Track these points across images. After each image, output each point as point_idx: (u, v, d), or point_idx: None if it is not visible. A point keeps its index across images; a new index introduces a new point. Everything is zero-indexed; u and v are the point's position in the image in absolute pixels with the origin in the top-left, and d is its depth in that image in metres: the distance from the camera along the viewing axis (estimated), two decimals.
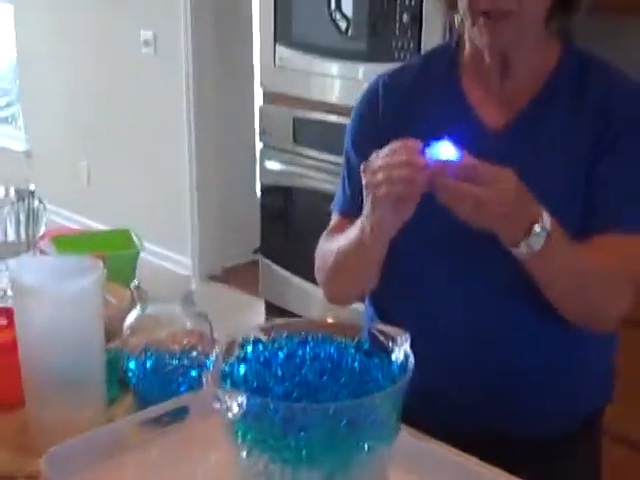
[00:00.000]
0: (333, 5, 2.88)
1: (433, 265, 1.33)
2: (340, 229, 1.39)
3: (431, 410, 1.26)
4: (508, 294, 1.28)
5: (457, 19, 1.33)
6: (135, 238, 1.74)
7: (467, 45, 1.34)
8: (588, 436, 1.43)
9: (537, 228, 1.13)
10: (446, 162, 1.10)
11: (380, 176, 1.12)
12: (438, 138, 1.12)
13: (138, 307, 1.27)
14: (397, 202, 1.14)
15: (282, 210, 3.28)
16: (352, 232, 1.28)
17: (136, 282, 1.27)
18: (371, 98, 1.41)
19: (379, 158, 1.14)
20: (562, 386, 1.35)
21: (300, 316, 3.24)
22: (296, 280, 3.27)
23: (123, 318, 1.30)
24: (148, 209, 4.41)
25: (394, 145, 1.14)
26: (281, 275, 3.32)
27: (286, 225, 3.29)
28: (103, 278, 1.17)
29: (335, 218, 1.45)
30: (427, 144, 1.13)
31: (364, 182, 1.17)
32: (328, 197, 2.94)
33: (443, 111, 1.34)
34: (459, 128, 1.29)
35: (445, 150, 1.11)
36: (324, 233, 1.45)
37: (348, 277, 1.37)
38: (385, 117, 1.38)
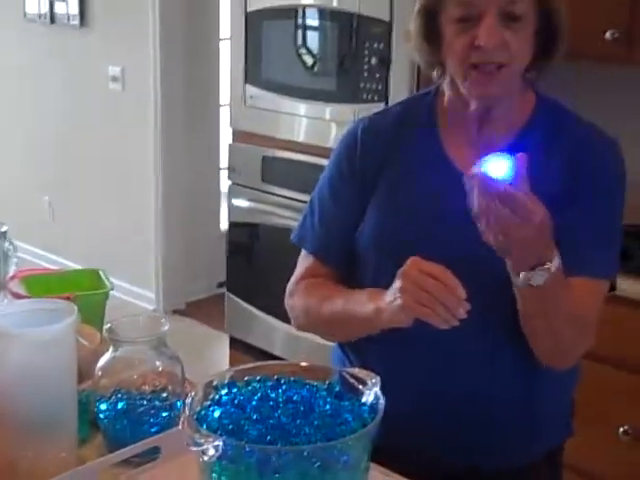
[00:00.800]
0: (300, 41, 2.93)
1: None
2: (313, 274, 1.42)
3: (400, 444, 1.30)
4: (481, 332, 1.32)
5: (436, 72, 1.39)
6: (104, 278, 1.75)
7: (446, 94, 1.39)
8: (550, 469, 1.47)
9: (545, 266, 1.19)
10: (492, 181, 1.13)
11: (425, 299, 1.18)
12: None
13: (110, 349, 1.28)
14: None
15: (248, 246, 3.30)
16: (356, 306, 1.33)
17: (108, 325, 1.28)
18: (350, 142, 1.44)
19: (424, 276, 1.18)
20: (527, 420, 1.39)
21: (265, 351, 3.26)
22: (261, 315, 3.29)
23: (94, 360, 1.31)
24: (113, 244, 4.40)
25: (443, 270, 1.18)
26: (246, 310, 3.33)
27: (252, 261, 3.31)
28: (78, 321, 1.18)
29: (307, 260, 1.47)
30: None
31: (398, 285, 1.21)
32: None
33: (420, 158, 1.38)
34: (433, 173, 1.34)
35: (499, 165, 1.13)
36: (296, 276, 1.47)
37: (337, 334, 1.44)
38: (362, 161, 1.41)
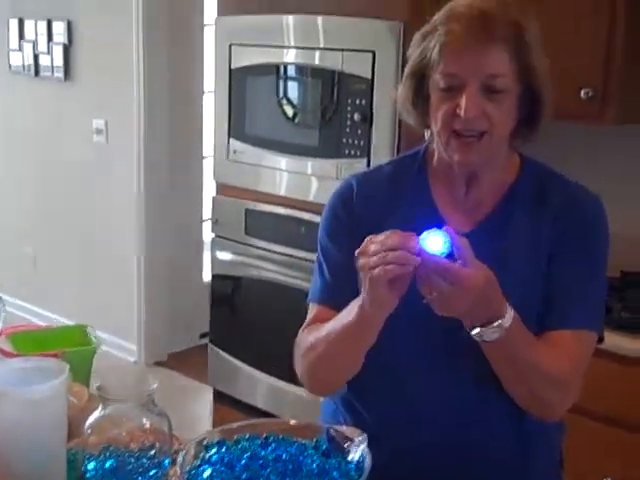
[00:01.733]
0: (282, 97, 2.99)
1: (410, 354, 1.39)
2: (320, 320, 1.42)
3: None
4: (472, 383, 1.35)
5: (427, 133, 1.43)
6: (91, 334, 1.76)
7: (436, 154, 1.44)
8: None
9: (495, 324, 1.23)
10: (428, 255, 1.19)
11: (375, 258, 1.20)
12: (435, 226, 1.21)
13: (100, 407, 1.29)
14: (391, 281, 1.21)
15: (232, 298, 3.31)
16: (344, 317, 1.32)
17: (98, 383, 1.29)
18: (346, 196, 1.47)
19: (373, 243, 1.22)
20: (519, 470, 1.41)
21: (248, 404, 3.25)
22: (244, 368, 3.29)
23: (83, 417, 1.32)
24: (95, 295, 4.40)
25: (388, 232, 1.22)
26: (230, 363, 3.34)
27: (235, 313, 3.32)
28: (69, 380, 1.19)
29: (314, 309, 1.47)
30: (421, 231, 1.21)
31: (359, 264, 1.23)
32: (276, 286, 3.03)
33: (413, 216, 1.40)
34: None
35: (435, 241, 1.20)
36: (303, 326, 1.47)
37: (340, 360, 1.39)
38: (359, 214, 1.44)
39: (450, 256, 1.20)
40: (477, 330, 1.25)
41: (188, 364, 4.22)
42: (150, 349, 4.31)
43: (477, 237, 1.37)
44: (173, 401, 3.66)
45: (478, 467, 1.39)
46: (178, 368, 4.22)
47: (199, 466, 1.04)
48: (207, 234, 3.81)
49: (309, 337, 1.42)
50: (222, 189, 3.23)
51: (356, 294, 1.30)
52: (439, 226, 1.21)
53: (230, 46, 3.07)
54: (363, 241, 1.34)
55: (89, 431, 1.28)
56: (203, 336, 4.24)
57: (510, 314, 1.25)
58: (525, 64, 1.31)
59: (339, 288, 1.40)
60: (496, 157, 1.38)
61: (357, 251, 1.24)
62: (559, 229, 1.38)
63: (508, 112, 1.33)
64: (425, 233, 1.20)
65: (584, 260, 1.38)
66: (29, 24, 4.46)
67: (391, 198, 1.44)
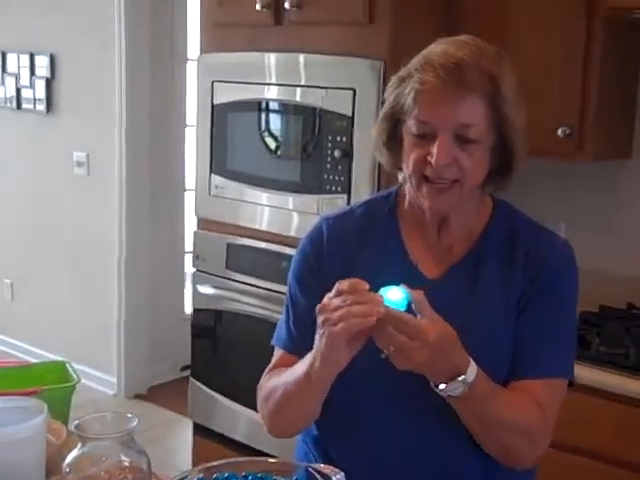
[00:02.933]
0: (264, 133, 3.02)
1: (364, 398, 1.39)
2: (283, 365, 1.43)
3: None
4: (441, 429, 1.35)
5: (400, 175, 1.42)
6: (71, 370, 1.76)
7: (407, 197, 1.44)
8: None
9: (459, 379, 1.24)
10: (388, 308, 1.20)
11: (339, 313, 1.20)
12: (387, 283, 1.22)
13: (79, 446, 1.28)
14: (351, 337, 1.21)
15: (213, 332, 3.31)
16: (299, 369, 1.33)
17: (77, 422, 1.29)
18: (315, 239, 1.47)
19: (335, 298, 1.22)
20: None
21: (228, 437, 3.24)
22: (225, 401, 3.28)
23: (61, 456, 1.31)
24: (74, 327, 4.38)
25: (344, 284, 1.22)
26: (210, 396, 3.32)
27: (216, 347, 3.32)
28: (48, 420, 1.19)
29: (278, 354, 1.48)
30: (391, 277, 1.22)
31: (319, 321, 1.24)
32: (257, 320, 3.03)
33: (383, 259, 1.41)
34: (398, 276, 1.38)
35: (394, 295, 1.21)
36: (267, 369, 1.48)
37: (293, 410, 1.40)
38: (328, 258, 1.44)
39: (408, 312, 1.21)
40: (442, 387, 1.25)
41: (168, 397, 4.20)
42: (130, 382, 4.29)
43: (448, 282, 1.39)
44: (153, 434, 3.66)
45: None
46: (158, 401, 4.21)
47: None
48: (189, 266, 3.81)
49: (269, 383, 1.44)
50: (204, 224, 3.24)
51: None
52: (396, 283, 1.22)
53: (212, 83, 3.10)
54: (331, 287, 1.35)
55: (67, 470, 1.27)
56: (184, 369, 4.23)
57: (473, 369, 1.25)
58: (499, 114, 1.31)
59: (302, 340, 1.39)
60: (467, 203, 1.38)
61: (318, 307, 1.24)
62: (529, 277, 1.38)
63: (480, 161, 1.33)
64: (383, 289, 1.21)
65: (554, 308, 1.38)
66: (12, 57, 4.49)
67: (361, 243, 1.44)
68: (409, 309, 1.22)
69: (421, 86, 1.29)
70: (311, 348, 1.30)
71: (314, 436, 1.48)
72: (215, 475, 1.11)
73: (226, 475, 1.11)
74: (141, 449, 1.33)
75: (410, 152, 1.33)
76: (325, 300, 1.24)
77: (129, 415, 1.33)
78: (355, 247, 1.43)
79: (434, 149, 1.29)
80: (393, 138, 1.39)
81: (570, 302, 1.41)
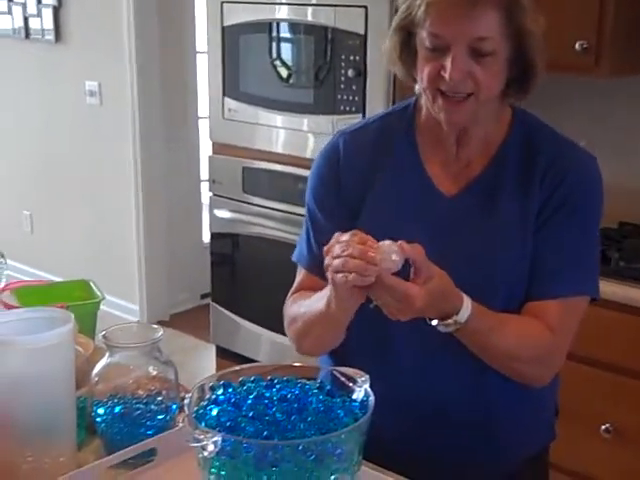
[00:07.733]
0: (276, 54, 2.99)
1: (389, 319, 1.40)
2: (306, 288, 1.44)
3: (385, 449, 1.32)
4: (456, 340, 1.34)
5: (416, 87, 1.39)
6: (95, 288, 1.78)
7: (424, 110, 1.40)
8: (536, 471, 1.51)
9: (450, 320, 1.25)
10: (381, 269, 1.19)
11: (337, 262, 1.20)
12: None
13: (106, 356, 1.32)
14: (351, 288, 1.21)
15: (231, 256, 3.34)
16: (318, 303, 1.33)
17: (104, 332, 1.32)
18: (332, 156, 1.45)
19: (338, 244, 1.21)
20: (511, 428, 1.42)
21: (252, 359, 3.30)
22: (246, 324, 3.33)
23: (89, 367, 1.35)
24: (94, 257, 4.42)
25: (351, 234, 1.21)
26: (231, 320, 3.38)
27: (235, 271, 3.36)
28: (75, 329, 1.22)
29: (301, 274, 1.48)
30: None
31: (325, 263, 1.24)
32: (275, 243, 3.05)
33: (401, 175, 1.40)
34: (415, 193, 1.38)
35: (390, 250, 1.19)
36: (290, 291, 1.48)
37: (317, 338, 1.42)
38: (346, 176, 1.42)
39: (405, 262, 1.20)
40: (434, 322, 1.27)
41: (190, 323, 4.26)
42: (152, 309, 4.34)
43: (464, 199, 1.37)
44: (177, 359, 3.69)
45: (459, 420, 1.40)
46: (181, 327, 4.26)
47: (206, 406, 1.07)
48: (206, 196, 3.82)
49: (292, 308, 1.45)
50: (218, 148, 3.24)
51: None
52: (394, 238, 1.20)
53: (222, 4, 3.06)
54: (348, 206, 1.35)
55: (96, 379, 1.31)
56: (204, 297, 4.28)
57: (467, 308, 1.25)
58: (516, 24, 1.27)
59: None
60: (485, 115, 1.35)
61: (325, 248, 1.24)
62: (550, 188, 1.34)
63: (496, 74, 1.29)
64: (380, 243, 1.20)
65: (576, 222, 1.34)
66: None
67: (378, 158, 1.41)
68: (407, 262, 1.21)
69: None
70: None
71: (339, 352, 1.49)
72: (241, 378, 1.14)
73: (252, 378, 1.13)
74: (168, 359, 1.36)
75: (424, 66, 1.30)
76: (332, 241, 1.23)
77: (154, 326, 1.36)
78: (373, 162, 1.41)
79: (447, 64, 1.26)
80: (407, 50, 1.35)
81: (594, 217, 1.38)
